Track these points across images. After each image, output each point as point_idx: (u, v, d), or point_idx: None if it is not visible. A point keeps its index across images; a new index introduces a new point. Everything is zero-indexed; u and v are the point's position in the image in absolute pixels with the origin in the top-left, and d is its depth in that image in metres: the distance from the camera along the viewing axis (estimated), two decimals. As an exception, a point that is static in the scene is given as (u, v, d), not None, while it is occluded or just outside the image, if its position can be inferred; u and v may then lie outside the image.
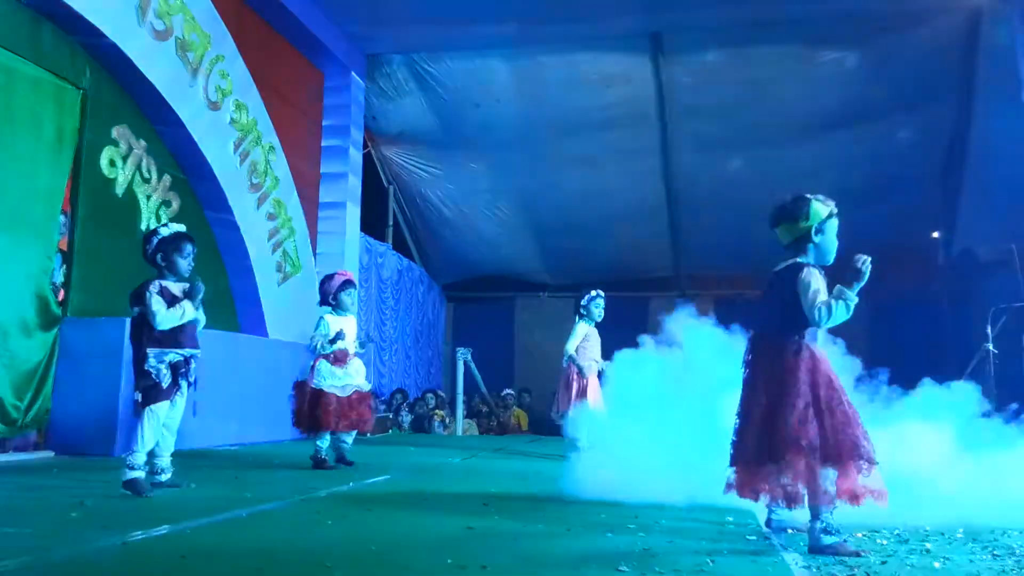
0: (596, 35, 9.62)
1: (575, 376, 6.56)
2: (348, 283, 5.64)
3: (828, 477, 2.83)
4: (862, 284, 2.94)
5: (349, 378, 5.43)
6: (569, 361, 6.59)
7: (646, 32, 9.50)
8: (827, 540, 2.85)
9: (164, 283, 4.19)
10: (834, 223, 3.11)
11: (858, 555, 2.78)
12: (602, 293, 6.72)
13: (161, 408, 4.03)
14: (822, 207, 3.10)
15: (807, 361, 2.96)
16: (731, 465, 3.07)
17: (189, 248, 4.27)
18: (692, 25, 9.32)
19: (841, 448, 2.82)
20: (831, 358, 3.14)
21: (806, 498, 2.88)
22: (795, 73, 9.67)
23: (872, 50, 9.32)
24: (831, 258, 3.14)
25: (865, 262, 2.93)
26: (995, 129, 9.24)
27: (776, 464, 2.87)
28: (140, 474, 3.92)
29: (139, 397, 4.00)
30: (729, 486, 3.08)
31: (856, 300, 2.94)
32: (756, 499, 3.04)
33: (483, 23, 9.33)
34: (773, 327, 3.10)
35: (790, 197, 3.17)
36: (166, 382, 4.02)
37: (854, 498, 2.83)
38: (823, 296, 2.97)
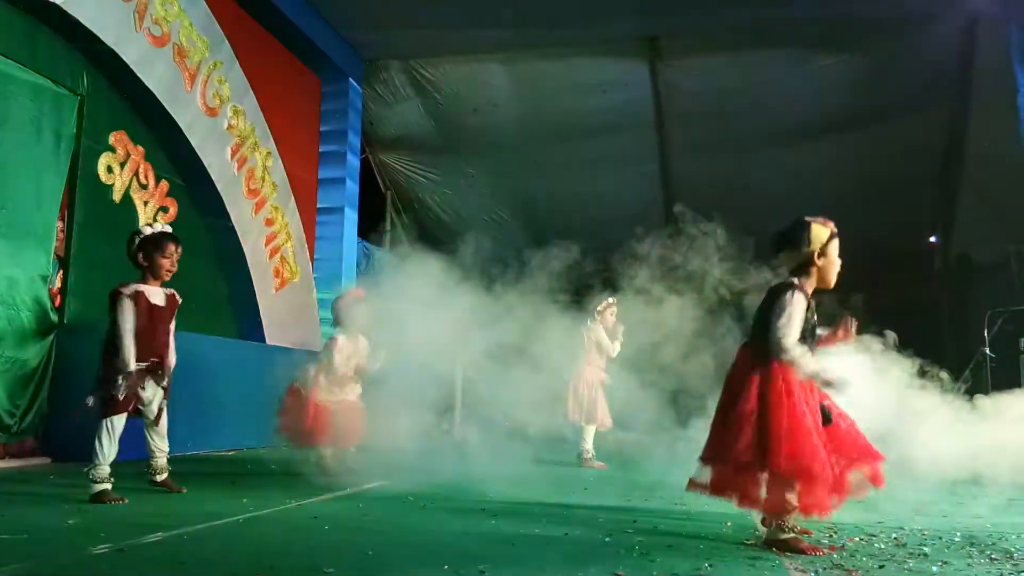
0: (593, 40, 9.64)
1: (583, 386, 6.54)
2: (359, 301, 5.58)
3: (786, 492, 2.92)
4: (818, 378, 3.01)
5: (343, 393, 5.37)
6: (581, 369, 6.57)
7: (643, 36, 9.52)
8: (782, 536, 2.97)
9: (142, 287, 4.11)
10: (835, 244, 3.14)
11: (814, 552, 2.87)
12: (615, 300, 6.64)
13: (119, 420, 3.97)
14: (823, 230, 3.12)
15: (766, 378, 3.01)
16: (701, 461, 3.16)
17: (172, 248, 4.18)
18: (689, 30, 9.35)
19: (785, 468, 2.88)
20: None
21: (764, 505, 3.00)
22: (792, 78, 9.69)
23: (869, 55, 9.35)
24: (833, 279, 3.16)
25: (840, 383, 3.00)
26: (991, 133, 9.27)
27: (729, 470, 3.02)
28: (106, 486, 3.87)
29: (90, 402, 3.95)
30: (695, 484, 3.15)
31: (802, 369, 2.99)
32: (720, 496, 3.10)
33: (480, 28, 9.35)
34: (753, 340, 3.18)
35: (789, 222, 3.19)
36: (122, 394, 3.95)
37: (804, 512, 2.94)
38: (795, 330, 2.99)
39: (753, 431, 2.95)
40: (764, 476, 2.96)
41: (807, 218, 3.15)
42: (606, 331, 6.61)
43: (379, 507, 3.94)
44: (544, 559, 2.78)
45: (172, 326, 4.29)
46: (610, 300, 6.63)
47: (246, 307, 8.27)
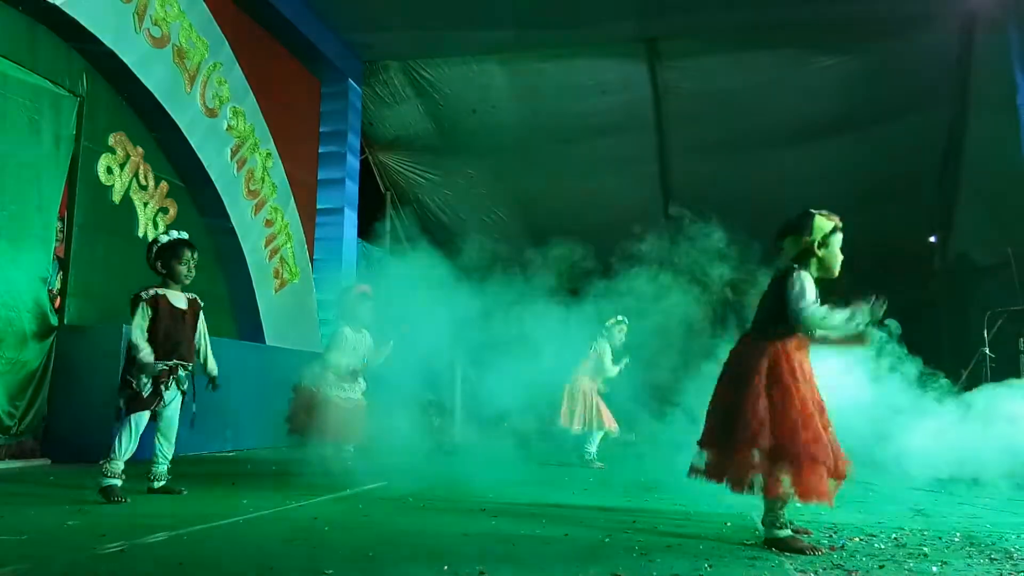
0: (593, 41, 9.64)
1: (580, 395, 6.55)
2: (365, 296, 5.59)
3: (783, 476, 2.94)
4: (854, 320, 3.05)
5: (352, 391, 5.38)
6: (578, 377, 6.59)
7: (642, 38, 9.53)
8: (780, 534, 3.00)
9: (162, 292, 4.21)
10: (838, 237, 3.21)
11: (813, 552, 2.88)
12: (625, 319, 6.68)
13: (141, 417, 4.04)
14: (826, 221, 3.19)
15: (771, 363, 3.05)
16: (700, 446, 3.20)
17: (188, 255, 4.30)
18: (688, 31, 9.35)
19: (789, 451, 2.91)
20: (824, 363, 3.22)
21: (761, 490, 3.00)
22: (792, 78, 9.69)
23: (868, 55, 9.35)
24: (835, 270, 3.22)
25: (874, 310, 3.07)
26: (990, 133, 9.27)
27: (729, 455, 3.03)
28: (116, 482, 3.92)
29: (121, 404, 4.02)
30: (695, 470, 3.18)
31: (837, 326, 3.04)
32: (717, 482, 3.12)
33: (480, 29, 9.35)
34: (756, 327, 3.22)
35: (795, 215, 3.26)
36: (146, 391, 4.03)
37: (803, 497, 2.95)
38: (810, 298, 3.03)
39: (756, 416, 2.97)
40: (761, 460, 2.96)
41: (812, 210, 3.22)
42: (612, 348, 6.65)
43: (379, 508, 3.94)
44: (544, 559, 2.78)
45: (200, 331, 4.39)
46: (620, 318, 6.67)
47: (246, 308, 8.27)
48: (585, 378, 6.61)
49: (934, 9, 8.65)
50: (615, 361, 6.62)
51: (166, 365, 4.11)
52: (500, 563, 2.67)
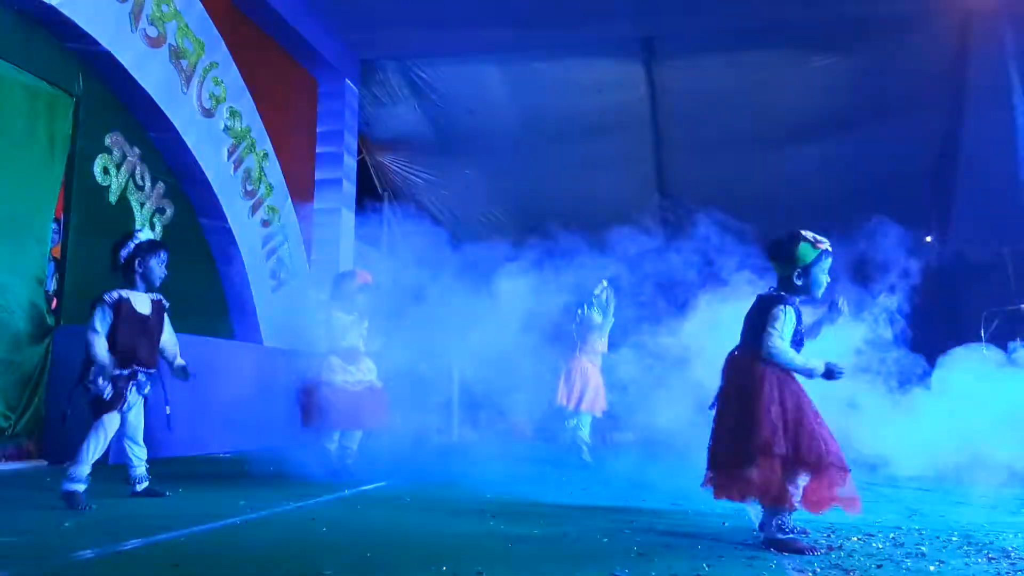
0: (589, 41, 9.66)
1: (578, 372, 6.50)
2: (364, 285, 5.53)
3: (797, 483, 2.97)
4: (813, 374, 3.11)
5: (361, 374, 5.23)
6: (577, 354, 6.55)
7: (638, 38, 9.54)
8: (779, 534, 3.00)
9: (128, 294, 4.01)
10: (825, 262, 3.19)
11: (812, 552, 2.89)
12: (609, 285, 6.64)
13: (112, 419, 3.92)
14: (811, 249, 3.17)
15: (774, 378, 3.07)
16: (708, 469, 3.21)
17: (164, 256, 4.15)
18: (684, 31, 9.37)
19: (808, 458, 2.94)
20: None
21: (775, 501, 3.02)
22: (788, 77, 9.71)
23: (864, 54, 9.37)
24: (819, 293, 3.23)
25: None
26: (986, 132, 9.29)
27: (750, 468, 3.01)
28: (80, 487, 3.77)
29: (68, 411, 3.89)
30: (709, 481, 3.21)
31: (796, 368, 3.10)
32: (735, 500, 3.14)
33: (477, 29, 9.36)
34: (747, 346, 3.22)
35: (785, 234, 3.25)
36: (107, 394, 3.88)
37: (817, 505, 3.00)
38: (785, 339, 3.08)
39: (773, 429, 2.96)
40: (783, 469, 2.96)
41: (802, 232, 3.20)
42: (605, 316, 6.62)
43: (377, 508, 3.94)
44: (542, 559, 2.78)
45: (165, 332, 4.18)
46: (605, 283, 6.64)
47: (243, 309, 8.25)
48: (584, 357, 6.56)
49: (930, 8, 8.67)
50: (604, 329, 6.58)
51: (121, 372, 3.92)
52: (498, 563, 2.67)
